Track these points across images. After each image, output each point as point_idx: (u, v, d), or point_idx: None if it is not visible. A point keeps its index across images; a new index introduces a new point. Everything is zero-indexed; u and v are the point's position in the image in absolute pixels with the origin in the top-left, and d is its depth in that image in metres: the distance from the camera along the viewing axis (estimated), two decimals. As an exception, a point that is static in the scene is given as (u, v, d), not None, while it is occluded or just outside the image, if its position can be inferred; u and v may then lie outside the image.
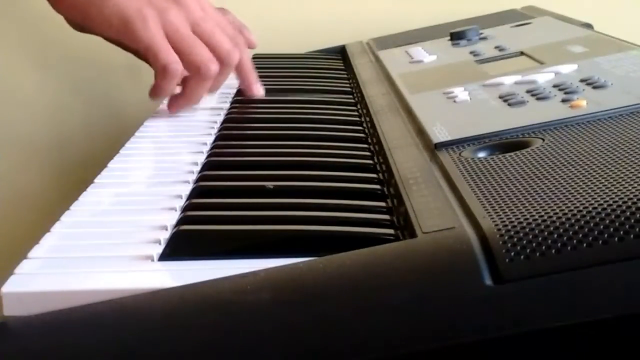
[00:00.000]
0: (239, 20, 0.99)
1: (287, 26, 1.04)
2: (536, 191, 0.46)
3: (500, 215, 0.43)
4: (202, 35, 0.77)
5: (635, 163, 0.47)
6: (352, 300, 0.40)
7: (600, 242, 0.39)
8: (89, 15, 0.77)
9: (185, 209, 0.53)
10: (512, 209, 0.43)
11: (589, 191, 0.43)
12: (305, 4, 1.22)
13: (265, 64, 1.03)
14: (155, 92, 0.78)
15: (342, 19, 1.21)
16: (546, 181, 0.47)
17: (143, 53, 0.77)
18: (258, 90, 0.85)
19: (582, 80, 0.67)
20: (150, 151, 0.70)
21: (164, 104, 0.87)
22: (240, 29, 0.97)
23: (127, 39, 0.76)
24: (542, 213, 0.42)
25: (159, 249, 0.48)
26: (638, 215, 0.40)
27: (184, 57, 0.76)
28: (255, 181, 0.58)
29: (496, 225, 0.42)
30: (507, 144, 0.57)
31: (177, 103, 0.80)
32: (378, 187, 0.56)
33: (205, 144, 0.70)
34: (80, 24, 0.80)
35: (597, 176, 0.46)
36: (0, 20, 1.16)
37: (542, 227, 0.40)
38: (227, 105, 0.83)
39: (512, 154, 0.54)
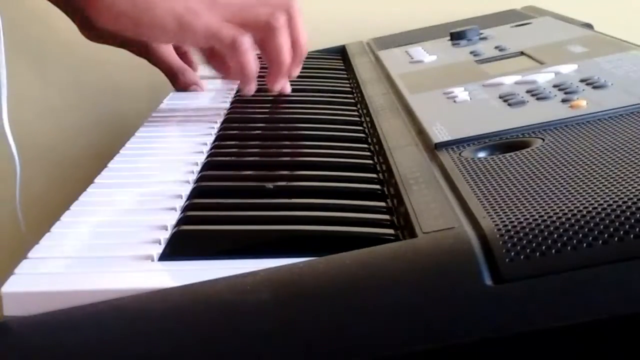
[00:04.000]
0: None
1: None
2: (536, 191, 0.46)
3: (500, 215, 0.43)
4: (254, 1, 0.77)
5: (635, 163, 0.47)
6: (352, 300, 0.40)
7: (600, 242, 0.39)
8: (141, 24, 0.75)
9: (185, 209, 0.53)
10: (512, 209, 0.43)
11: (589, 191, 0.43)
12: (305, 4, 1.21)
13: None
14: (242, 78, 0.76)
15: (342, 19, 1.21)
16: (546, 181, 0.47)
17: (206, 45, 0.75)
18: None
19: (582, 80, 0.67)
20: (150, 151, 0.70)
21: (163, 103, 0.87)
22: None
23: (184, 38, 0.75)
24: (542, 213, 0.42)
25: (159, 249, 0.48)
26: (638, 215, 0.40)
27: (247, 24, 0.75)
28: (255, 181, 0.58)
29: (496, 225, 0.42)
30: (507, 144, 0.57)
31: (272, 75, 0.78)
32: (378, 187, 0.56)
33: (205, 144, 0.70)
34: (131, 35, 0.77)
35: (597, 176, 0.46)
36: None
37: (542, 227, 0.40)
38: (227, 105, 0.83)
39: (512, 154, 0.54)
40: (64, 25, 0.86)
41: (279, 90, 0.80)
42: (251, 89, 0.79)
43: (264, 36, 0.76)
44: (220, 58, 0.79)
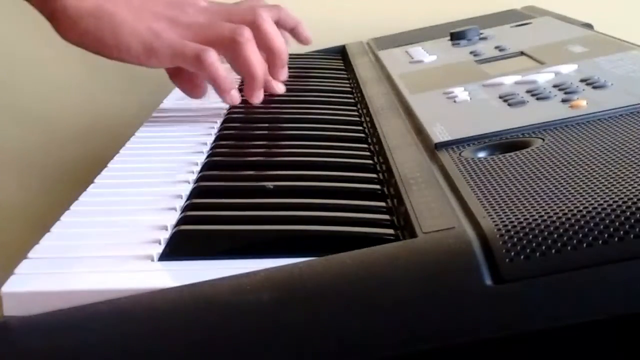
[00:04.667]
0: (293, 17, 1.00)
1: (287, 26, 1.04)
2: (536, 191, 0.46)
3: (500, 215, 0.43)
4: (217, 16, 0.76)
5: (635, 163, 0.47)
6: (352, 300, 0.40)
7: (600, 242, 0.39)
8: (105, 44, 0.75)
9: (185, 209, 0.53)
10: (512, 209, 0.43)
11: (589, 191, 0.43)
12: (305, 4, 1.22)
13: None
14: (219, 91, 0.76)
15: (342, 19, 1.21)
16: (546, 181, 0.47)
17: (171, 64, 0.75)
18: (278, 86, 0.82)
19: (582, 80, 0.67)
20: (150, 151, 0.70)
21: (163, 103, 0.87)
22: (295, 25, 0.97)
23: (150, 60, 0.75)
24: (542, 213, 0.42)
25: (159, 249, 0.48)
26: (638, 215, 0.40)
27: (211, 42, 0.74)
28: (255, 181, 0.58)
29: (496, 225, 0.42)
30: (507, 144, 0.57)
31: (247, 89, 0.78)
32: (378, 187, 0.56)
33: (205, 144, 0.70)
34: (94, 52, 0.77)
35: (597, 176, 0.46)
36: None
37: (542, 227, 0.40)
38: (227, 105, 0.83)
39: (512, 154, 0.54)
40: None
41: (258, 102, 0.79)
42: (233, 99, 0.78)
43: (231, 52, 0.76)
44: (184, 77, 0.79)
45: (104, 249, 0.48)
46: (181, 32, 0.75)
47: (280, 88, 0.83)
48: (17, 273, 0.45)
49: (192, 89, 0.80)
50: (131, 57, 0.75)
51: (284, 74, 0.82)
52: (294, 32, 1.02)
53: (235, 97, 0.78)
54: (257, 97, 0.79)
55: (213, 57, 0.74)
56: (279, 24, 1.01)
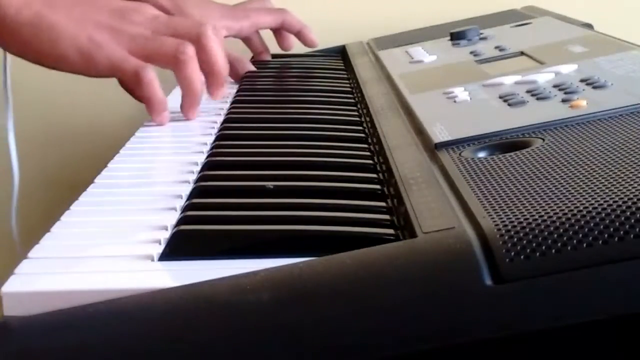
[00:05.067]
0: (298, 20, 1.00)
1: (287, 26, 1.04)
2: (536, 191, 0.46)
3: (500, 215, 0.43)
4: (161, 29, 0.75)
5: (635, 163, 0.47)
6: (352, 300, 0.40)
7: (600, 242, 0.39)
8: (43, 54, 0.74)
9: (185, 209, 0.53)
10: (512, 209, 0.43)
11: (589, 191, 0.43)
12: (305, 4, 1.22)
13: (266, 64, 1.04)
14: (151, 110, 0.75)
15: (342, 19, 1.21)
16: (546, 181, 0.47)
17: (110, 76, 0.74)
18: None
19: (582, 80, 0.67)
20: (150, 151, 0.70)
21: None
22: (301, 29, 0.97)
23: (89, 70, 0.74)
24: (542, 213, 0.42)
25: (159, 249, 0.48)
26: (638, 215, 0.40)
27: (153, 57, 0.74)
28: (255, 181, 0.58)
29: (496, 225, 0.42)
30: (507, 144, 0.57)
31: (185, 104, 0.77)
32: (378, 187, 0.56)
33: (205, 144, 0.70)
34: (35, 62, 0.76)
35: (597, 176, 0.46)
36: None
37: (542, 227, 0.40)
38: (227, 105, 0.83)
39: (512, 154, 0.54)
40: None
41: (193, 118, 0.78)
42: (162, 120, 0.77)
43: (172, 68, 0.75)
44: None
45: (104, 249, 0.48)
46: (123, 43, 0.74)
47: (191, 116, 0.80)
48: (17, 273, 0.45)
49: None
50: (69, 66, 0.74)
51: (221, 92, 0.80)
52: (299, 36, 1.02)
53: (165, 119, 0.77)
54: (193, 114, 0.78)
55: (150, 76, 0.73)
56: (283, 27, 1.01)
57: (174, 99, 0.89)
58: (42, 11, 0.73)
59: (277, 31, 1.03)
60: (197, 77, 0.76)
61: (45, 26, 0.73)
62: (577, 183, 0.45)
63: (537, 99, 0.65)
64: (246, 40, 1.05)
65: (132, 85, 0.74)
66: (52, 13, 0.73)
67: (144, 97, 0.75)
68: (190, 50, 0.74)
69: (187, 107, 0.77)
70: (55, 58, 0.74)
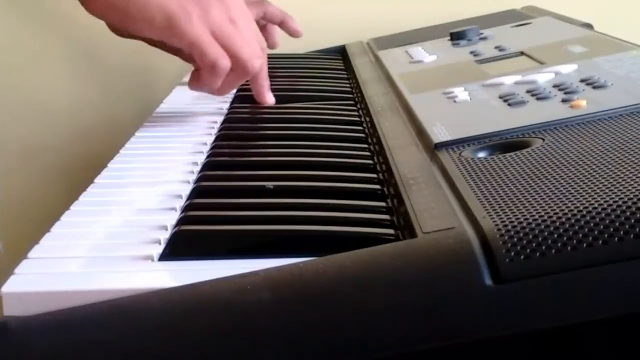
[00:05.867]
0: (280, 11, 1.00)
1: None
2: (536, 191, 0.46)
3: (500, 215, 0.43)
4: (241, 31, 0.76)
5: (635, 163, 0.47)
6: (352, 300, 0.40)
7: (600, 242, 0.39)
8: (129, 15, 0.73)
9: (185, 209, 0.53)
10: (512, 209, 0.43)
11: (589, 191, 0.43)
12: (305, 4, 1.22)
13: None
14: (199, 85, 0.76)
15: (342, 19, 1.21)
16: (546, 181, 0.47)
17: (188, 50, 0.74)
18: (270, 98, 0.83)
19: (582, 80, 0.67)
20: (150, 151, 0.70)
21: (164, 103, 0.87)
22: (283, 18, 0.97)
23: (170, 37, 0.73)
24: (542, 213, 0.42)
25: (159, 249, 0.48)
26: (638, 215, 0.40)
27: (230, 53, 0.74)
28: (255, 181, 0.58)
29: (496, 225, 0.42)
30: (507, 144, 0.57)
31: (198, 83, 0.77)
32: (378, 187, 0.56)
33: (205, 144, 0.70)
34: (119, 26, 0.76)
35: (597, 176, 0.46)
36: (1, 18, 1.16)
37: (542, 227, 0.40)
38: (227, 105, 0.83)
39: (512, 154, 0.54)
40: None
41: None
42: (270, 99, 0.81)
43: (234, 70, 0.75)
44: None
45: (103, 249, 0.48)
46: (209, 23, 0.73)
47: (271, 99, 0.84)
48: (17, 273, 0.45)
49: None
50: (153, 30, 0.73)
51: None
52: (282, 26, 1.02)
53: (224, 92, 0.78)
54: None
55: (225, 71, 0.74)
56: (265, 18, 1.01)
57: (174, 99, 0.89)
58: None
59: (262, 28, 1.03)
60: (234, 88, 0.78)
61: None
62: (577, 183, 0.45)
63: (537, 99, 0.65)
64: None
65: (203, 68, 0.74)
66: None
67: (208, 81, 0.75)
68: (257, 66, 0.75)
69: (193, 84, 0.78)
70: (141, 20, 0.73)
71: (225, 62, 0.73)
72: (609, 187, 0.43)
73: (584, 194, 0.43)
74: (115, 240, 0.50)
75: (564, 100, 0.63)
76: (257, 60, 0.75)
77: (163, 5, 0.72)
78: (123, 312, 0.42)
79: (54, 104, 1.20)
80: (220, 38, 0.74)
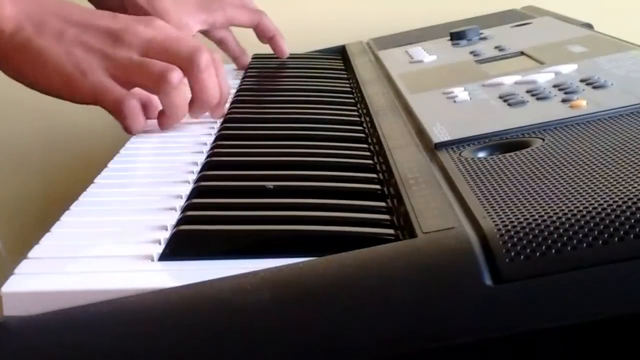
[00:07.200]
0: (272, 27, 1.00)
1: (287, 26, 1.04)
2: (536, 191, 0.46)
3: (500, 215, 0.43)
4: (155, 52, 0.73)
5: (635, 163, 0.47)
6: (352, 300, 0.40)
7: (600, 242, 0.39)
8: (32, 79, 0.74)
9: (185, 209, 0.53)
10: (512, 209, 0.43)
11: (589, 191, 0.43)
12: (305, 4, 1.22)
13: (265, 64, 1.04)
14: (131, 131, 0.74)
15: (342, 19, 1.21)
16: (546, 181, 0.47)
17: (95, 104, 0.73)
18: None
19: (582, 80, 0.67)
20: (150, 151, 0.70)
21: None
22: (274, 35, 0.97)
23: (71, 96, 0.74)
24: (542, 213, 0.42)
25: (159, 249, 0.48)
26: (638, 215, 0.40)
27: (137, 82, 0.73)
28: (255, 181, 0.58)
29: (496, 225, 0.42)
30: (507, 144, 0.57)
31: (163, 124, 0.76)
32: (378, 187, 0.56)
33: (205, 144, 0.70)
34: (31, 87, 0.76)
35: (597, 176, 0.46)
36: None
37: (542, 227, 0.40)
38: (227, 105, 0.83)
39: (512, 154, 0.54)
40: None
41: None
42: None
43: (156, 94, 0.74)
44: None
45: (103, 249, 0.48)
46: (110, 69, 0.73)
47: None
48: (17, 273, 0.45)
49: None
50: (55, 92, 0.74)
51: (202, 115, 0.78)
52: (271, 42, 1.02)
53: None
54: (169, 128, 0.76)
55: (131, 106, 0.72)
56: (257, 30, 1.00)
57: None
58: (32, 36, 0.72)
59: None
60: (180, 104, 0.74)
61: (34, 52, 0.72)
62: (577, 183, 0.45)
63: (537, 99, 0.65)
64: (220, 43, 1.04)
65: (113, 114, 0.73)
66: (40, 38, 0.72)
67: (123, 126, 0.74)
68: (175, 78, 0.72)
69: (164, 126, 0.76)
70: (42, 84, 0.74)
71: (127, 100, 0.72)
72: (609, 187, 0.43)
73: (584, 194, 0.43)
74: (115, 240, 0.50)
75: (564, 100, 0.63)
76: (171, 71, 0.72)
77: (58, 68, 0.72)
78: (123, 312, 0.42)
79: (53, 104, 1.20)
80: (125, 76, 0.72)
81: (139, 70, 0.72)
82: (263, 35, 1.01)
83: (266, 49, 1.05)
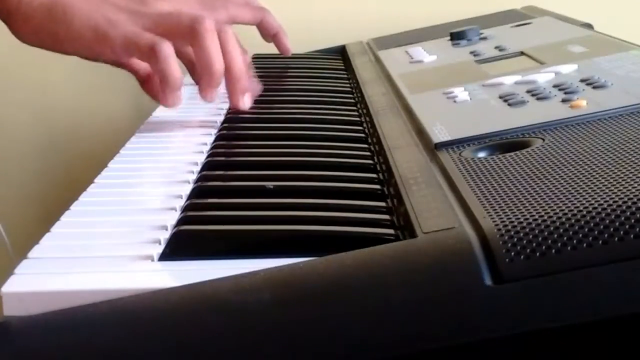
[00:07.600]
0: (276, 23, 0.99)
1: (287, 26, 1.04)
2: (536, 191, 0.46)
3: (500, 215, 0.43)
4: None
5: (635, 163, 0.47)
6: (352, 300, 0.40)
7: (600, 242, 0.39)
8: (58, 37, 0.72)
9: (185, 209, 0.53)
10: (512, 209, 0.43)
11: (589, 191, 0.43)
12: (305, 4, 1.22)
13: (265, 64, 1.03)
14: (164, 87, 0.71)
15: (342, 19, 1.21)
16: (546, 181, 0.47)
17: (128, 56, 0.73)
18: (243, 103, 0.76)
19: (582, 80, 0.67)
20: (150, 151, 0.70)
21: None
22: (278, 32, 0.96)
23: (101, 48, 0.72)
24: (542, 213, 0.42)
25: (159, 249, 0.48)
26: (638, 215, 0.40)
27: (169, 32, 0.71)
28: (255, 181, 0.58)
29: (496, 225, 0.42)
30: (507, 144, 0.57)
31: (203, 83, 0.73)
32: (378, 187, 0.56)
33: (205, 144, 0.70)
34: (55, 50, 0.74)
35: (597, 176, 0.46)
36: None
37: (542, 227, 0.40)
38: (227, 105, 0.83)
39: (512, 154, 0.54)
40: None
41: (211, 102, 0.74)
42: (175, 100, 0.72)
43: (190, 42, 0.72)
44: (155, 84, 0.76)
45: (103, 249, 0.48)
46: (139, 21, 0.72)
47: (247, 103, 0.77)
48: (17, 273, 0.45)
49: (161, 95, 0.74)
50: (83, 46, 0.72)
51: (213, 95, 0.74)
52: (274, 39, 1.01)
53: (178, 100, 0.73)
54: (211, 96, 0.74)
55: (166, 50, 0.70)
56: (260, 27, 1.00)
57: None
58: None
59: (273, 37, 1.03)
60: (216, 52, 0.72)
61: (60, 8, 0.71)
62: (577, 183, 0.45)
63: (537, 99, 0.65)
64: None
65: (148, 61, 0.72)
66: None
67: (159, 73, 0.71)
68: (209, 24, 0.71)
69: (204, 87, 0.73)
70: (71, 39, 0.72)
71: (162, 43, 0.70)
72: (609, 187, 0.43)
73: (584, 194, 0.43)
74: (115, 240, 0.50)
75: (564, 100, 0.63)
76: (201, 18, 0.71)
77: (89, 20, 0.71)
78: (123, 312, 0.42)
79: (53, 104, 1.20)
80: (156, 28, 0.71)
81: (170, 19, 0.72)
82: (266, 32, 1.01)
83: (266, 49, 1.05)
